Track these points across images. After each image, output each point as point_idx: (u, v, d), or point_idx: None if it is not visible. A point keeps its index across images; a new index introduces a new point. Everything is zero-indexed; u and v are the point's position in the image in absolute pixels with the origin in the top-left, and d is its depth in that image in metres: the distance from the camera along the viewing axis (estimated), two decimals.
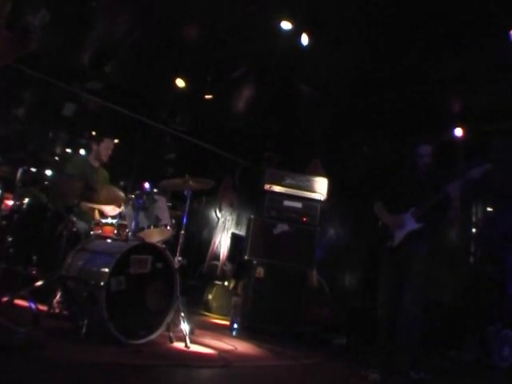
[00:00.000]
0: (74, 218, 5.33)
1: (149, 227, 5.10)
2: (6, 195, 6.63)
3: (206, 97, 9.12)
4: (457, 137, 8.27)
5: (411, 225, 5.46)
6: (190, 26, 7.52)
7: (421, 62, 7.07)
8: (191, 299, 7.63)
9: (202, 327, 6.21)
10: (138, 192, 5.17)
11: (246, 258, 7.27)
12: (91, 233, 5.35)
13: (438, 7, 5.99)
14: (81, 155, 6.93)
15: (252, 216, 7.53)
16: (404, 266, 5.44)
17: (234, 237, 11.31)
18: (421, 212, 5.40)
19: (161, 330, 4.57)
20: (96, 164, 6.60)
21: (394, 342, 5.40)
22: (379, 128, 8.79)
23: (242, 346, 5.53)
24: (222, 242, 11.31)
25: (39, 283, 4.52)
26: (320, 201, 7.58)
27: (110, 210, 5.91)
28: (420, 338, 5.34)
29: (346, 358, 6.56)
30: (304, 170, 9.19)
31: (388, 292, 5.60)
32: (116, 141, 6.80)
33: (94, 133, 10.61)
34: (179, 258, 5.17)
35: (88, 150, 6.80)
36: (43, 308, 4.61)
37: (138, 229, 4.98)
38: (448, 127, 8.23)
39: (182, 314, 4.83)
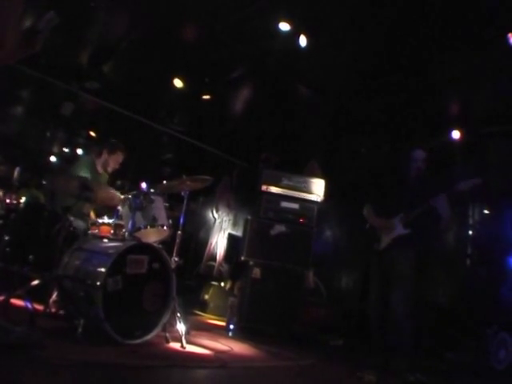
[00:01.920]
0: (71, 218, 5.34)
1: (145, 227, 5.10)
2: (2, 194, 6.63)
3: (204, 97, 9.13)
4: (454, 139, 8.28)
5: (399, 230, 5.53)
6: (189, 26, 7.52)
7: (419, 64, 7.08)
8: (188, 299, 7.63)
9: (198, 328, 6.20)
10: (135, 192, 5.18)
11: (242, 258, 7.27)
12: (88, 232, 5.36)
13: (436, 9, 6.00)
14: (88, 157, 6.93)
15: (249, 217, 7.53)
16: (389, 269, 5.50)
17: (231, 237, 11.30)
18: (408, 219, 5.45)
19: (157, 331, 4.57)
20: (100, 170, 6.62)
21: (387, 343, 5.43)
22: (377, 130, 8.80)
23: (238, 347, 5.53)
24: (219, 243, 11.30)
25: (35, 282, 4.51)
26: (317, 202, 7.59)
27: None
28: (411, 339, 5.38)
29: (343, 359, 6.57)
30: (301, 171, 9.20)
31: (376, 294, 5.67)
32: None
33: (92, 133, 10.68)
34: (176, 259, 5.18)
35: (94, 153, 6.79)
36: (39, 307, 4.61)
37: (135, 229, 4.98)
38: (445, 129, 8.24)
39: (178, 315, 4.82)
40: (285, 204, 7.50)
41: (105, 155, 6.65)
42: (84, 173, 6.18)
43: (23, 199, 6.05)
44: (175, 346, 4.64)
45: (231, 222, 11.77)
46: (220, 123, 10.44)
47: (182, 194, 5.57)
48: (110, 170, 6.70)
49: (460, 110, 8.06)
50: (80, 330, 4.03)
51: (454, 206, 5.40)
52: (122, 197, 5.30)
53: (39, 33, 2.96)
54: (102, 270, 4.24)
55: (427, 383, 5.03)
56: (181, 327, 4.77)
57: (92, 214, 6.22)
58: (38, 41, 2.98)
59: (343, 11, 6.48)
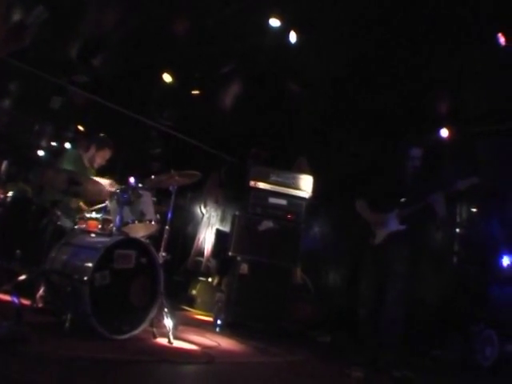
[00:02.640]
0: (59, 212, 5.31)
1: (133, 222, 5.09)
2: None
3: (194, 92, 9.10)
4: (443, 137, 8.29)
5: (394, 225, 5.51)
6: (179, 21, 7.49)
7: (409, 63, 7.09)
8: (175, 295, 7.62)
9: (185, 323, 6.19)
10: (122, 187, 5.16)
11: (230, 254, 7.25)
12: (75, 227, 5.34)
13: (427, 8, 6.01)
14: (75, 151, 6.92)
15: (237, 212, 7.52)
16: (385, 267, 5.50)
17: (219, 233, 11.28)
18: (404, 215, 5.44)
19: (144, 326, 4.57)
20: (87, 165, 6.60)
21: (377, 340, 5.44)
22: (366, 127, 8.80)
23: (225, 343, 5.54)
24: (207, 238, 11.28)
25: (22, 277, 4.49)
26: (305, 198, 7.58)
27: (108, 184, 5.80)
28: (402, 337, 5.39)
29: (330, 355, 6.59)
30: (290, 167, 9.19)
31: (369, 291, 5.66)
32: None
33: (80, 127, 10.62)
34: (163, 254, 5.18)
35: (82, 148, 6.77)
36: (26, 302, 4.59)
37: (123, 223, 4.96)
38: (434, 128, 8.25)
39: (166, 310, 4.82)
40: (273, 200, 7.48)
41: (92, 150, 6.62)
42: (70, 166, 6.14)
43: (10, 193, 6.01)
44: (162, 341, 4.64)
45: (219, 217, 11.75)
46: (209, 119, 10.42)
47: (170, 189, 5.57)
48: (96, 165, 6.67)
49: (449, 108, 8.08)
50: (67, 324, 4.02)
51: (449, 205, 5.40)
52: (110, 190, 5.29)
53: (28, 27, 2.95)
54: (90, 264, 4.23)
55: (414, 380, 5.06)
56: (168, 322, 4.76)
57: (83, 206, 6.19)
58: (27, 35, 2.97)
59: (333, 8, 6.48)
